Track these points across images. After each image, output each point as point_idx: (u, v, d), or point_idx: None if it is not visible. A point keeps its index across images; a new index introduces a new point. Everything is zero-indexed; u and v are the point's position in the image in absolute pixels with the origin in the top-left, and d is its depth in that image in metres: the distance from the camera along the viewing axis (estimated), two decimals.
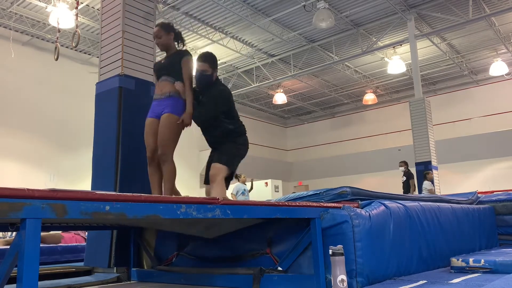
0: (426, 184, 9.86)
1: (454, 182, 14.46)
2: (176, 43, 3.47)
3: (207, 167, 3.30)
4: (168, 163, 3.16)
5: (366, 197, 2.83)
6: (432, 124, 11.05)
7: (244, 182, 10.74)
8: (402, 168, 10.59)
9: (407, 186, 10.38)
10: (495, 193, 6.25)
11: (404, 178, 10.56)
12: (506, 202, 4.30)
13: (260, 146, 18.66)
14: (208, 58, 3.38)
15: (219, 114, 3.24)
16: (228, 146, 3.23)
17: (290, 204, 2.35)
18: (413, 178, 10.46)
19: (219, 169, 3.12)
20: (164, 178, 3.15)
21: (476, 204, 4.26)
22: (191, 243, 3.03)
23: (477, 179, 14.90)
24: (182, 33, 3.56)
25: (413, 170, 10.87)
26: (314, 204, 2.49)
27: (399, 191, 10.45)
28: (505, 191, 7.00)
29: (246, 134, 3.40)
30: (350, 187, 2.80)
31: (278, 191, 14.95)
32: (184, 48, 3.54)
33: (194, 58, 3.40)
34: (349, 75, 15.60)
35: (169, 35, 3.41)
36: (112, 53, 3.65)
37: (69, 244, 4.38)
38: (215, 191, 3.02)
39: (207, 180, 3.28)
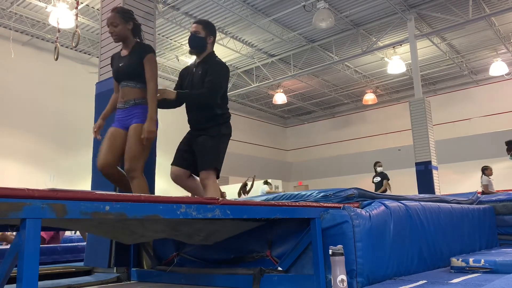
0: (484, 179, 9.65)
1: (454, 182, 14.46)
2: (134, 36, 3.05)
3: (182, 148, 3.19)
4: (138, 179, 2.84)
5: (372, 199, 2.82)
6: (432, 124, 11.04)
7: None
8: (381, 168, 10.55)
9: (379, 187, 10.29)
10: (495, 193, 6.24)
11: (379, 179, 10.52)
12: (506, 202, 4.30)
13: (260, 146, 18.66)
14: (202, 21, 3.27)
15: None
16: (211, 140, 3.07)
17: (290, 204, 2.35)
18: (388, 179, 10.43)
19: (208, 175, 3.03)
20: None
21: (476, 204, 4.26)
22: (191, 244, 3.03)
23: (477, 179, 14.85)
24: (141, 26, 3.16)
25: (413, 170, 10.86)
26: (314, 204, 2.49)
27: (399, 191, 10.43)
28: (505, 191, 7.00)
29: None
30: (357, 189, 2.79)
31: (278, 191, 14.96)
32: (143, 42, 3.13)
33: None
34: (349, 75, 15.60)
35: (128, 24, 3.00)
36: (112, 53, 3.64)
37: (69, 244, 4.39)
38: (210, 195, 2.97)
39: (178, 163, 3.17)
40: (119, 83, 3.03)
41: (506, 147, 8.57)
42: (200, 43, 3.19)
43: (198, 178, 3.22)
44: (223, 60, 3.46)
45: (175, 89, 3.31)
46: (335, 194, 2.78)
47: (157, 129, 2.92)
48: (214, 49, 3.32)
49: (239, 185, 11.77)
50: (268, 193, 10.32)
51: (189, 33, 3.35)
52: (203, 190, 3.09)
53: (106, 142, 2.93)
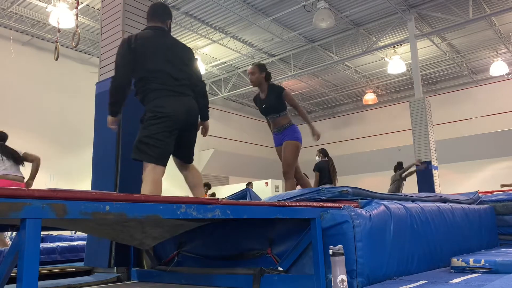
0: None
1: (454, 182, 14.46)
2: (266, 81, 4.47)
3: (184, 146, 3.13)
4: (290, 180, 4.43)
5: (366, 198, 2.83)
6: (432, 124, 11.04)
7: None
8: (317, 158, 8.72)
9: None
10: (495, 193, 6.24)
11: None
12: (506, 202, 4.30)
13: (260, 146, 18.65)
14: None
15: None
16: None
17: (290, 204, 2.35)
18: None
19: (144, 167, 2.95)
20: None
21: (477, 204, 4.26)
22: (191, 243, 3.03)
23: (477, 179, 14.90)
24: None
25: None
26: (314, 204, 2.48)
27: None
28: (506, 191, 7.00)
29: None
30: (351, 187, 2.79)
31: (278, 191, 14.96)
32: (273, 82, 4.58)
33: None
34: (349, 75, 15.60)
35: (262, 74, 4.43)
36: (112, 53, 3.64)
37: (69, 244, 4.38)
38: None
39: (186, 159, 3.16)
40: (267, 115, 4.70)
41: None
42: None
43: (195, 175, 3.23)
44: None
45: None
46: (328, 189, 2.77)
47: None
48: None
49: (239, 185, 11.76)
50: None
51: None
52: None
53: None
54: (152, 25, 3.13)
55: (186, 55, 3.16)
